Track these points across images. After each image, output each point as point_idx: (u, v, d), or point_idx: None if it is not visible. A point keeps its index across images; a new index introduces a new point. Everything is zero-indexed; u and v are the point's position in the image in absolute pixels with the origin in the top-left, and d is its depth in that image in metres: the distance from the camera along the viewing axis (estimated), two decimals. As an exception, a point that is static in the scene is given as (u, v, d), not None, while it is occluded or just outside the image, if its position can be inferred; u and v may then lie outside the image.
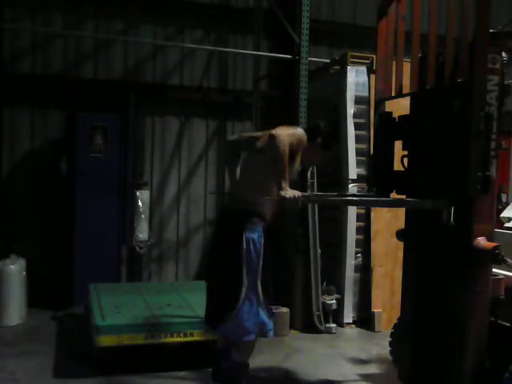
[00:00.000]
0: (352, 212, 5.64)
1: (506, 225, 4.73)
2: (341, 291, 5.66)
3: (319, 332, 5.43)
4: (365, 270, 5.71)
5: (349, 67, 5.76)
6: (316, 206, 5.53)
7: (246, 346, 3.50)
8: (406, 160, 3.65)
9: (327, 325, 5.48)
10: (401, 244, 3.81)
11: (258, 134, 3.69)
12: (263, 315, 3.44)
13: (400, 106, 3.82)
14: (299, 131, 3.49)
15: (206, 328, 3.92)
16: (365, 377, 4.35)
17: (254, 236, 3.40)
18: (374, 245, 5.65)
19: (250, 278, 3.37)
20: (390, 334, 4.21)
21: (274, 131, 3.30)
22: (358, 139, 5.71)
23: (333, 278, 5.73)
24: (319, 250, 5.57)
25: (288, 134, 3.32)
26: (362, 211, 5.69)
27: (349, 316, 5.70)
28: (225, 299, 3.43)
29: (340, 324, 5.63)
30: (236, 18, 6.85)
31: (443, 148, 3.30)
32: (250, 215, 3.43)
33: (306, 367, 4.50)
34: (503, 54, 3.13)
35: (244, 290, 3.36)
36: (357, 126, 5.71)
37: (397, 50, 3.72)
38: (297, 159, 3.48)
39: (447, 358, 3.28)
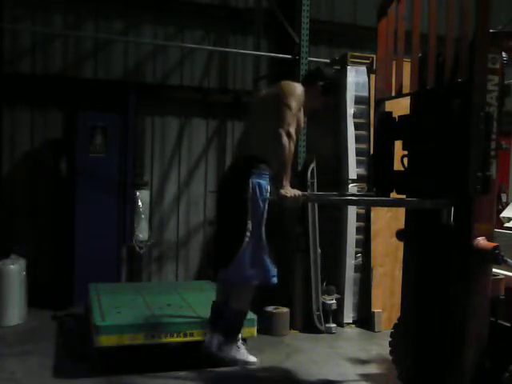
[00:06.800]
0: (352, 212, 5.64)
1: (506, 225, 4.74)
2: (341, 291, 5.66)
3: (319, 332, 5.42)
4: (365, 270, 5.70)
5: (349, 67, 5.75)
6: (316, 205, 5.53)
7: (246, 293, 3.50)
8: (405, 160, 3.66)
9: (327, 325, 5.48)
10: (401, 244, 3.81)
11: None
12: (267, 261, 3.43)
13: (400, 106, 3.82)
14: (298, 92, 3.56)
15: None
16: (365, 377, 4.35)
17: (261, 182, 3.42)
18: (373, 245, 5.64)
19: (255, 223, 3.38)
20: (390, 334, 4.21)
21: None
22: (357, 139, 5.70)
23: (333, 278, 5.72)
24: (319, 250, 5.56)
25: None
26: (362, 211, 5.69)
27: (349, 316, 5.70)
28: (229, 243, 3.45)
29: (340, 324, 5.62)
30: (236, 18, 6.85)
31: (443, 148, 3.30)
32: (257, 161, 3.46)
33: (306, 367, 4.50)
34: (503, 54, 3.13)
35: (248, 234, 3.37)
36: (357, 126, 5.71)
37: (397, 50, 3.72)
38: (301, 113, 3.61)
39: (447, 358, 3.28)
